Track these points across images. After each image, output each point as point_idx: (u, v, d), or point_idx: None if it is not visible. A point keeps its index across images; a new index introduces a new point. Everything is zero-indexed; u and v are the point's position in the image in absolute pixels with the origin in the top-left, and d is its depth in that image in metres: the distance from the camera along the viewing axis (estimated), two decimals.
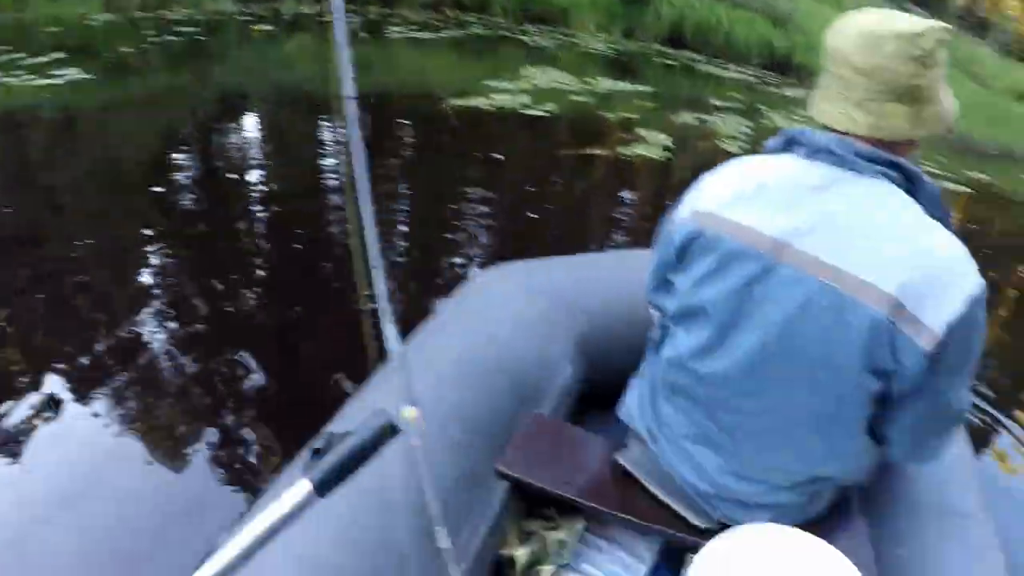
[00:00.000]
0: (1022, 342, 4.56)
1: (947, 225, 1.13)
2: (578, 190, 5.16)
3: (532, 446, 1.50)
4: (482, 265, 3.49)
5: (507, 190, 4.80)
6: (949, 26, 1.14)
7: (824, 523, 1.37)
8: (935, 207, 1.14)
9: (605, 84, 8.74)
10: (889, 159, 1.11)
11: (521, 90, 7.23)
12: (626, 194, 5.37)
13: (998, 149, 13.00)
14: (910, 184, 1.12)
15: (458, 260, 3.70)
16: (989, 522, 1.47)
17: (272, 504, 0.83)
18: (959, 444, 1.64)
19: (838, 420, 1.16)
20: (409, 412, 0.85)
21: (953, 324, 1.03)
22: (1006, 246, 6.90)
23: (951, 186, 7.82)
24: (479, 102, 6.49)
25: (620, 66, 10.95)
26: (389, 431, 0.84)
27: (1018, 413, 3.57)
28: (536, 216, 4.51)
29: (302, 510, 0.83)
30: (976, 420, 3.26)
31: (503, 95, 6.87)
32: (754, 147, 6.11)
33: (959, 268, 1.06)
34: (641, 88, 9.06)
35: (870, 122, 1.10)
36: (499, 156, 5.39)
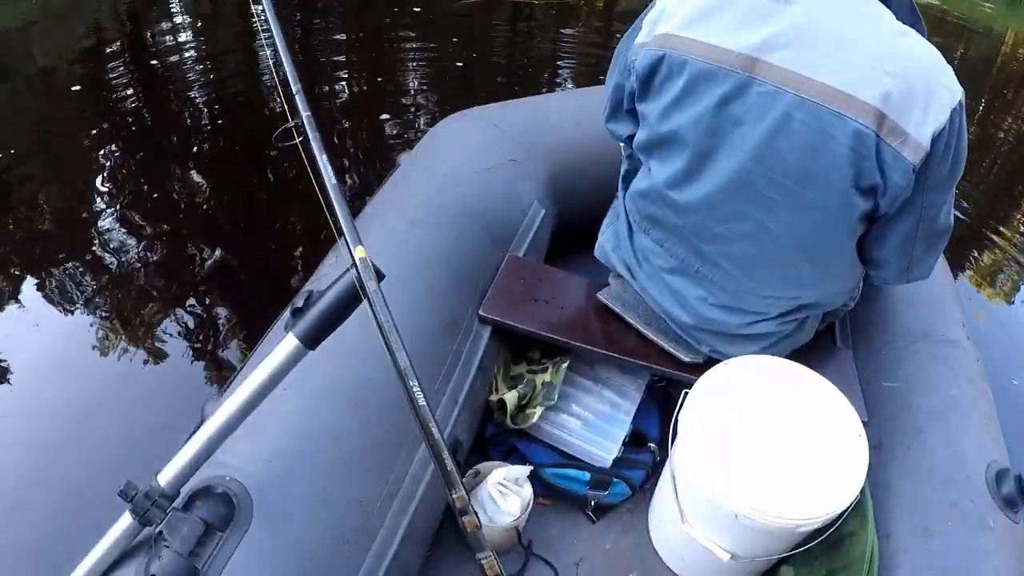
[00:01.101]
0: (991, 164, 4.58)
1: (921, 32, 1.07)
2: (521, 33, 4.84)
3: (512, 288, 1.47)
4: (435, 117, 3.36)
5: (445, 44, 4.52)
6: None
7: (811, 353, 1.37)
8: (907, 13, 1.07)
9: None
10: None
11: None
12: (570, 31, 4.98)
13: None
14: None
15: (410, 115, 3.52)
16: (973, 347, 1.47)
17: (262, 363, 0.81)
18: (940, 270, 1.64)
19: (825, 241, 1.12)
20: (359, 252, 0.81)
21: (938, 135, 0.99)
22: (963, 72, 6.87)
23: None
24: None
25: None
26: (377, 275, 0.82)
27: (993, 236, 3.63)
28: (483, 67, 4.26)
29: (293, 364, 0.82)
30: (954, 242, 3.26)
31: None
32: None
33: (940, 76, 1.00)
34: None
35: None
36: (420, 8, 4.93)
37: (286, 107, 1.01)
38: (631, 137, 1.27)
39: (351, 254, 0.82)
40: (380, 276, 0.81)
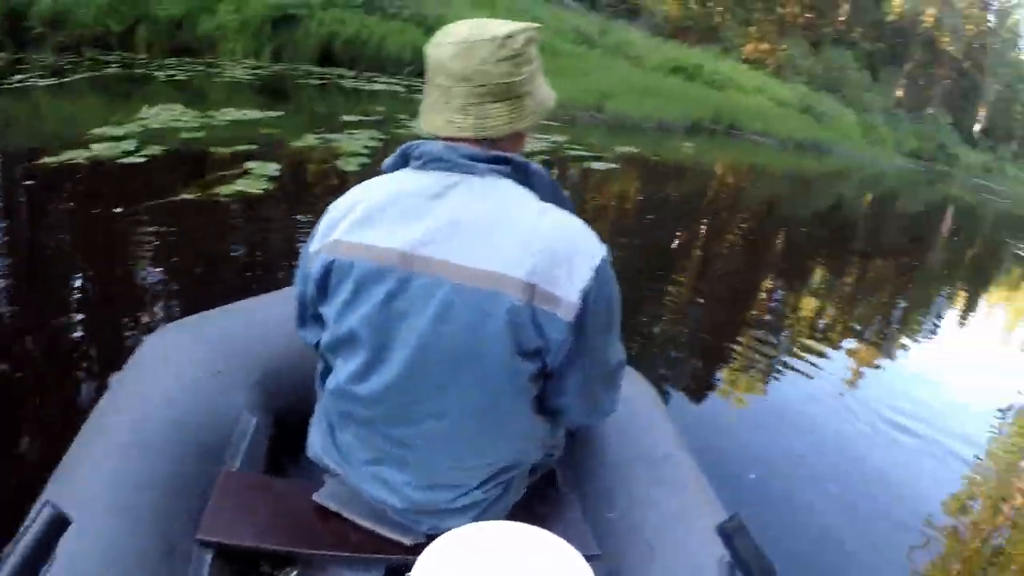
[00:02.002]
0: (715, 278, 5.35)
1: (564, 204, 1.21)
2: (182, 239, 4.37)
3: (230, 505, 1.40)
4: (150, 327, 3.08)
5: (165, 244, 4.14)
6: (537, 25, 1.22)
7: (534, 504, 1.41)
8: (549, 191, 1.21)
9: (231, 115, 8.08)
10: (498, 156, 1.16)
11: (129, 135, 6.30)
12: (243, 233, 4.79)
13: (652, 122, 14.79)
14: (522, 175, 1.19)
15: (121, 328, 3.16)
16: (689, 457, 1.56)
17: None
18: (645, 393, 1.77)
19: (503, 408, 1.20)
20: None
21: (586, 290, 1.10)
22: (659, 207, 8.02)
23: (602, 165, 8.64)
24: (77, 155, 5.45)
25: (267, 91, 10.68)
26: (59, 523, 0.80)
27: (728, 344, 4.26)
28: (208, 268, 4.02)
29: None
30: (664, 369, 3.77)
31: (107, 143, 5.89)
32: (377, 161, 5.87)
33: (580, 240, 1.14)
34: (273, 114, 8.58)
35: (474, 124, 1.15)
36: (100, 211, 4.52)
37: None
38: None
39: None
40: (66, 522, 0.77)
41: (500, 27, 1.15)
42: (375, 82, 12.70)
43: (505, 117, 1.16)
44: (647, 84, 16.85)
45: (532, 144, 8.25)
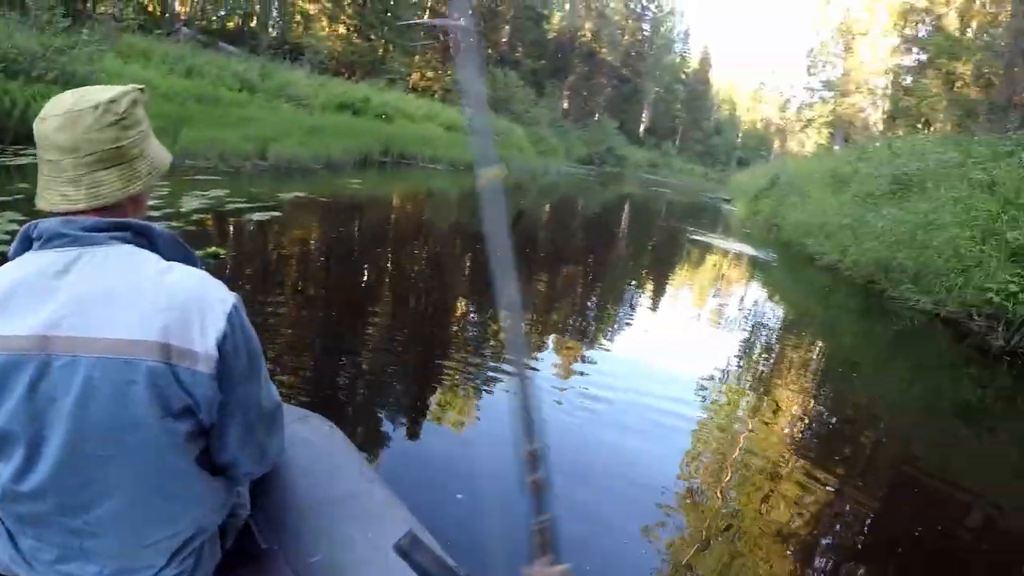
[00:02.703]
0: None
1: (191, 260, 1.22)
2: None
3: None
4: None
5: None
6: (141, 86, 1.23)
7: (235, 569, 1.41)
8: (174, 250, 1.22)
9: None
10: (117, 223, 1.15)
11: None
12: None
13: (320, 162, 14.63)
14: (145, 238, 1.18)
15: None
16: (382, 486, 1.60)
17: None
18: (330, 434, 1.80)
19: (171, 474, 1.17)
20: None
21: (221, 340, 1.12)
22: (331, 246, 8.10)
23: (264, 215, 8.31)
24: None
25: None
26: None
27: (396, 390, 4.19)
28: None
29: None
30: (364, 404, 3.87)
31: None
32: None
33: (207, 292, 1.15)
34: None
35: (87, 195, 1.14)
36: None
37: None
38: None
39: None
40: None
41: (102, 93, 1.15)
42: (21, 155, 11.00)
43: (118, 183, 1.16)
44: (314, 123, 16.92)
45: (191, 203, 7.99)
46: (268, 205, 8.88)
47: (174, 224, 6.46)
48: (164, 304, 1.10)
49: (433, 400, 4.08)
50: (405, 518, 1.52)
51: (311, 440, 1.70)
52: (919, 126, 24.93)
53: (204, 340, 1.11)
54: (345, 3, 33.03)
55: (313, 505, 1.52)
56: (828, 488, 3.70)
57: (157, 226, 1.22)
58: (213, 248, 5.64)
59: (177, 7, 28.03)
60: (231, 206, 8.45)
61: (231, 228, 7.37)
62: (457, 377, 4.41)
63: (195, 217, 7.18)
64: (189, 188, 9.01)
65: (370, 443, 3.25)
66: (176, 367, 1.09)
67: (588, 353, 5.51)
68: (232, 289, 1.20)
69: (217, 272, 1.49)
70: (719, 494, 3.46)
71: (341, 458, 1.71)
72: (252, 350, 1.19)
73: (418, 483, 2.89)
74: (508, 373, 4.42)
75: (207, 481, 1.24)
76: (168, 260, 1.18)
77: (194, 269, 1.20)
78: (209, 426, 1.18)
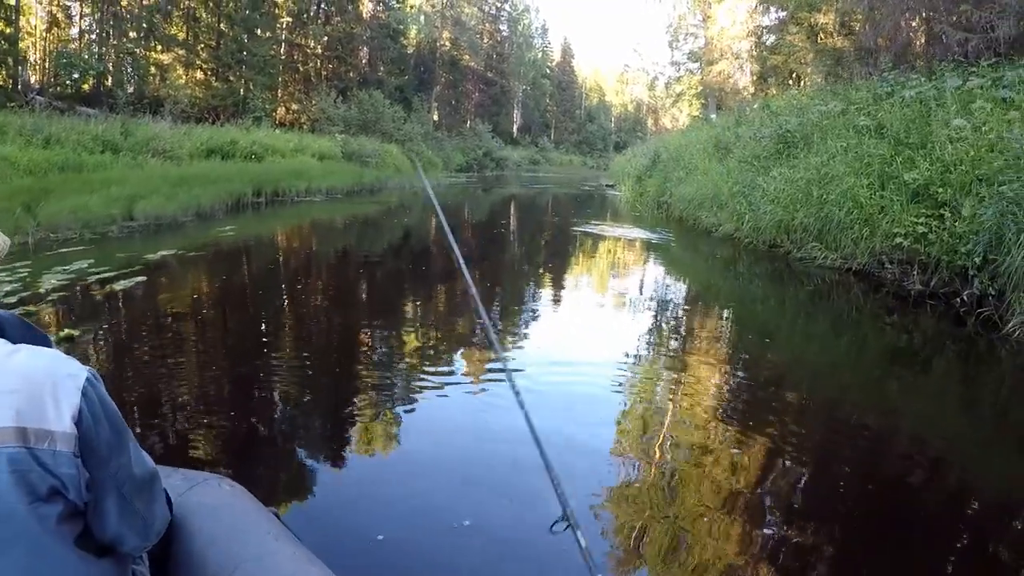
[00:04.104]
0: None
1: (38, 340, 1.21)
2: None
3: None
4: None
5: None
6: None
7: None
8: (22, 332, 1.22)
9: None
10: None
11: None
12: None
13: (190, 213, 14.08)
14: None
15: None
16: (294, 546, 1.57)
17: None
18: (237, 496, 1.75)
19: (52, 563, 1.12)
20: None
21: (79, 415, 1.09)
22: (209, 300, 7.81)
23: (128, 282, 7.85)
24: None
25: None
26: None
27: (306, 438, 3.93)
28: None
29: None
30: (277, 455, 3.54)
31: None
32: None
33: (58, 369, 1.12)
34: None
35: None
36: None
37: None
38: None
39: None
40: None
41: None
42: None
43: None
44: (180, 174, 16.33)
45: (51, 280, 7.42)
46: (134, 270, 8.47)
47: (30, 308, 6.06)
48: (13, 387, 1.07)
49: (343, 440, 3.91)
50: (321, 573, 1.48)
51: (212, 504, 1.64)
52: (790, 83, 25.92)
53: (60, 418, 1.08)
54: (199, 48, 32.29)
55: (227, 571, 1.46)
56: (767, 451, 3.70)
57: (3, 312, 1.20)
58: (66, 331, 5.27)
59: (29, 75, 26.95)
60: (93, 277, 7.96)
61: (92, 303, 6.89)
62: (366, 411, 4.25)
63: (52, 297, 6.69)
64: (51, 264, 8.41)
65: (278, 497, 3.10)
66: (35, 450, 1.05)
67: (500, 357, 5.38)
68: (97, 368, 1.17)
69: (78, 354, 1.45)
70: (653, 472, 3.45)
71: (247, 518, 1.65)
72: (114, 421, 1.16)
73: (335, 531, 2.80)
74: (419, 400, 4.43)
75: (93, 564, 1.18)
76: (16, 344, 1.15)
77: (42, 348, 1.16)
78: (84, 505, 1.14)
